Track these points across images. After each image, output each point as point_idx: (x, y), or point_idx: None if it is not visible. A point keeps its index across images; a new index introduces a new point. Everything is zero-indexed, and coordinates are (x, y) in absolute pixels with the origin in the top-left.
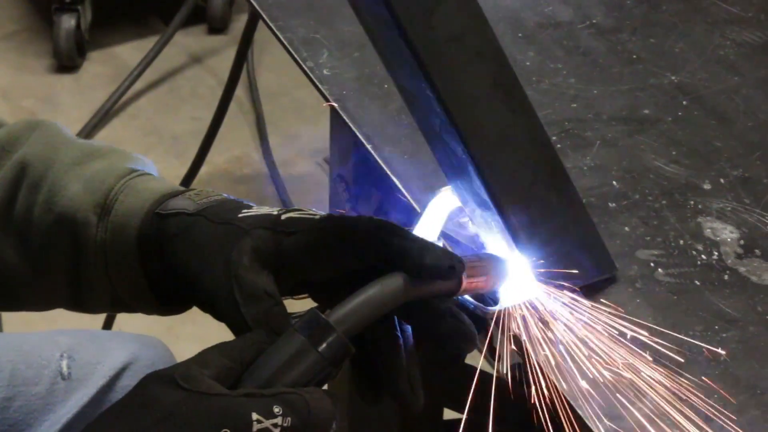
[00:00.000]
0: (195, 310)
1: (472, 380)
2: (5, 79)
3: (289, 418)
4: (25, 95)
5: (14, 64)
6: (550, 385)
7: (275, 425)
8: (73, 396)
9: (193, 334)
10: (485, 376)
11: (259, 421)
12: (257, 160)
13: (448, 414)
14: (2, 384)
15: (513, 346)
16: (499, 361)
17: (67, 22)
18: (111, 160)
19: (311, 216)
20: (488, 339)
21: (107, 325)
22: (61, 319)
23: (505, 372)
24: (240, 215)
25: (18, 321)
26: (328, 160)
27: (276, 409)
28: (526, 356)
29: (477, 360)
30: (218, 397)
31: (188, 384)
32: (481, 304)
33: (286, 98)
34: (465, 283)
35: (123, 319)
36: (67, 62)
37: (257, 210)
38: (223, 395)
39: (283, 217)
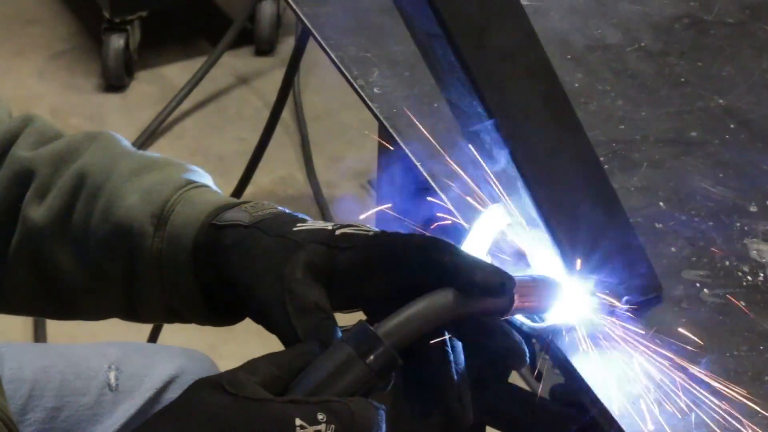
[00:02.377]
0: (239, 329)
1: (515, 398)
2: (54, 98)
3: (333, 426)
4: (73, 114)
5: (63, 83)
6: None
7: None
8: (120, 407)
9: (235, 352)
10: (528, 395)
11: (302, 427)
12: (301, 182)
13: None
14: (51, 394)
15: (556, 366)
16: (540, 380)
17: (116, 41)
18: (168, 171)
19: (365, 232)
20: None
21: (152, 341)
22: (102, 334)
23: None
24: (295, 229)
25: (60, 333)
26: (372, 182)
27: (320, 416)
28: (570, 376)
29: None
30: (263, 402)
31: (234, 389)
32: (528, 321)
33: (331, 120)
34: (516, 302)
35: (166, 337)
36: (115, 82)
37: (312, 224)
38: (268, 400)
39: (338, 232)
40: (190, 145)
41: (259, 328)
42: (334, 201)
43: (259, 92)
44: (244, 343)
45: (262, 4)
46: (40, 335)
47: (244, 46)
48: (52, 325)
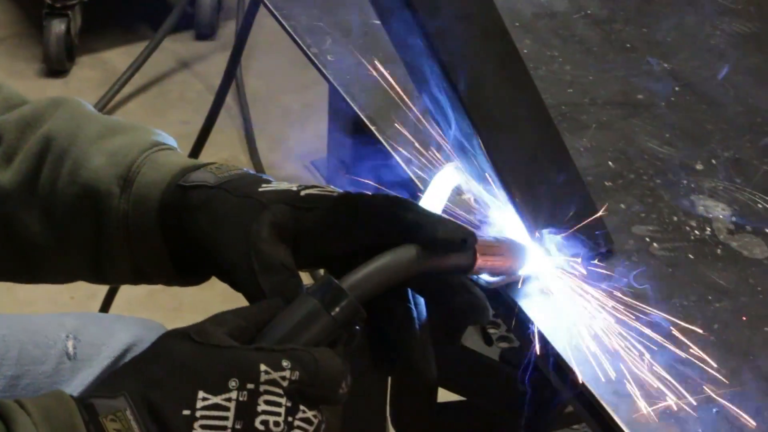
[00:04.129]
0: (187, 308)
1: (468, 361)
2: None
3: (297, 372)
4: None
5: (4, 69)
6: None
7: (283, 378)
8: (78, 375)
9: None
10: (480, 358)
11: (267, 372)
12: (245, 163)
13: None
14: (11, 362)
15: (508, 324)
16: (491, 345)
17: (57, 26)
18: (133, 134)
19: (329, 193)
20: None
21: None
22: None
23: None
24: (260, 189)
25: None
26: (315, 163)
27: (284, 363)
28: (524, 333)
29: (472, 341)
30: (229, 348)
31: (201, 338)
32: (485, 276)
33: (272, 103)
34: (479, 261)
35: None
36: (56, 67)
37: (277, 185)
38: (234, 347)
39: (303, 193)
40: None
41: (209, 308)
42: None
43: (201, 76)
44: (192, 322)
45: None
46: None
47: (184, 30)
48: None
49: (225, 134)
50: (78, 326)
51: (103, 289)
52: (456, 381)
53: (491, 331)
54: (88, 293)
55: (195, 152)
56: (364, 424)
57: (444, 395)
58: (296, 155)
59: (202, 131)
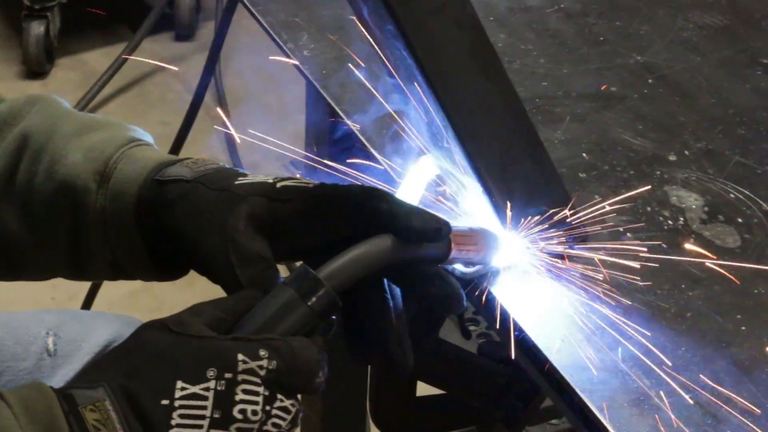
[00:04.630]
0: (166, 310)
1: (447, 355)
2: None
3: (274, 362)
4: None
5: None
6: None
7: (260, 367)
8: (59, 372)
9: None
10: (458, 351)
11: (244, 362)
12: (225, 163)
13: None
14: None
15: (483, 315)
16: (468, 339)
17: (37, 28)
18: (110, 130)
19: (305, 185)
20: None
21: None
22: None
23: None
24: (236, 182)
25: None
26: (295, 163)
27: (262, 353)
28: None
29: (451, 336)
30: (206, 338)
31: (179, 328)
32: (460, 266)
33: (252, 103)
34: (454, 250)
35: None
36: (36, 68)
37: (253, 178)
38: (211, 337)
39: (279, 185)
40: None
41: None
42: None
43: (181, 76)
44: None
45: None
46: None
47: (164, 31)
48: None
49: (205, 134)
50: (58, 323)
51: (83, 290)
52: (435, 374)
53: (471, 328)
54: (68, 294)
55: (174, 152)
56: (343, 418)
57: (423, 389)
58: (276, 155)
59: (180, 131)
